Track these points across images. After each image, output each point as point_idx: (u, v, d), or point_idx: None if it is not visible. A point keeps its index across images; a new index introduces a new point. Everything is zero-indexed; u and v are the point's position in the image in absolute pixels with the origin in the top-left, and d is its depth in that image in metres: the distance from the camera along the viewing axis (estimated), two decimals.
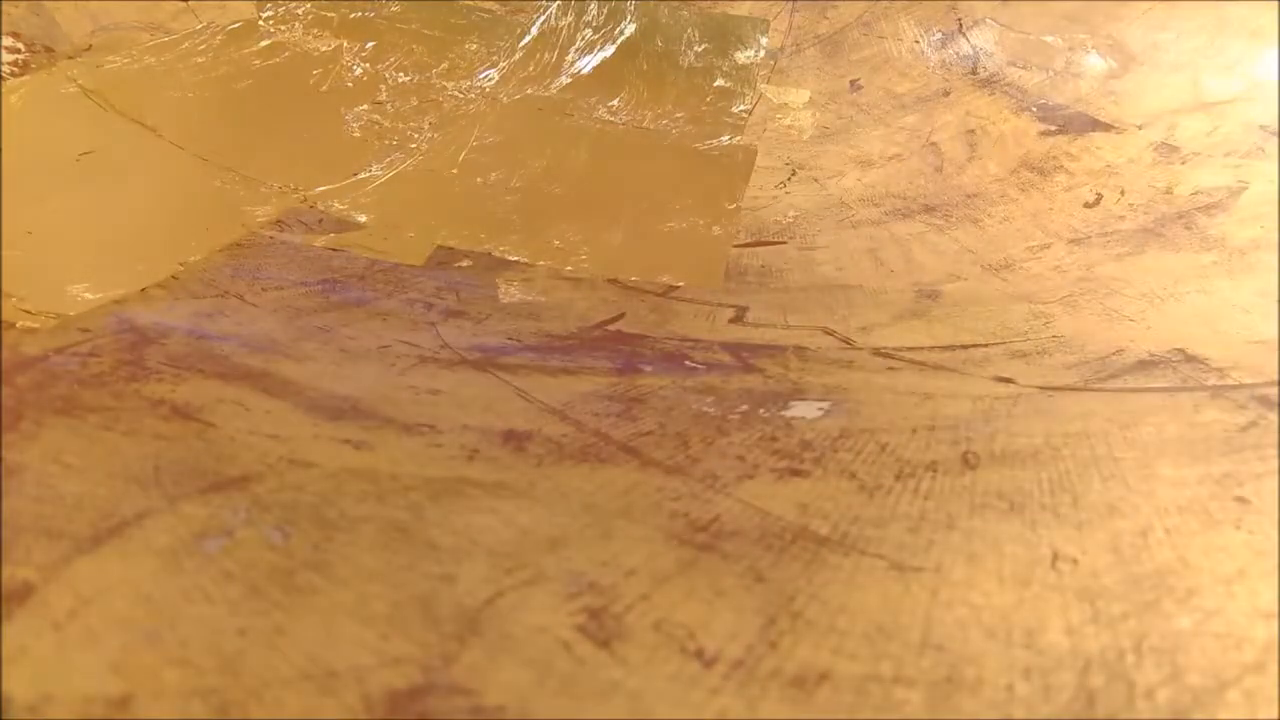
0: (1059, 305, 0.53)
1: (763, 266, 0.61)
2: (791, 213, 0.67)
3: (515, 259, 0.60)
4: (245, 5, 0.78)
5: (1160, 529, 0.28)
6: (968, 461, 0.34)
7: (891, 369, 0.46)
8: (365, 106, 0.73)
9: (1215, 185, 0.62)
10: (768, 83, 0.80)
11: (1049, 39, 0.74)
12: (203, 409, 0.35)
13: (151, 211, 0.58)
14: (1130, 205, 0.63)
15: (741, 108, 0.78)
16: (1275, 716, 0.20)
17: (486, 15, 0.82)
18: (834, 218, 0.67)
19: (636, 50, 0.81)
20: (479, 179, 0.68)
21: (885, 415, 0.38)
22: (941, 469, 0.33)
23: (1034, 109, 0.73)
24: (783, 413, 0.39)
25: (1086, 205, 0.64)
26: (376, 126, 0.72)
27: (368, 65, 0.77)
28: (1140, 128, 0.68)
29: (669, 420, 0.38)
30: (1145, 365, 0.41)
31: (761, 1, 0.83)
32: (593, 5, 0.82)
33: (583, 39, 0.81)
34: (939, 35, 0.79)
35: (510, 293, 0.56)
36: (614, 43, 0.81)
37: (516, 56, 0.80)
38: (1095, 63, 0.72)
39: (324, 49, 0.77)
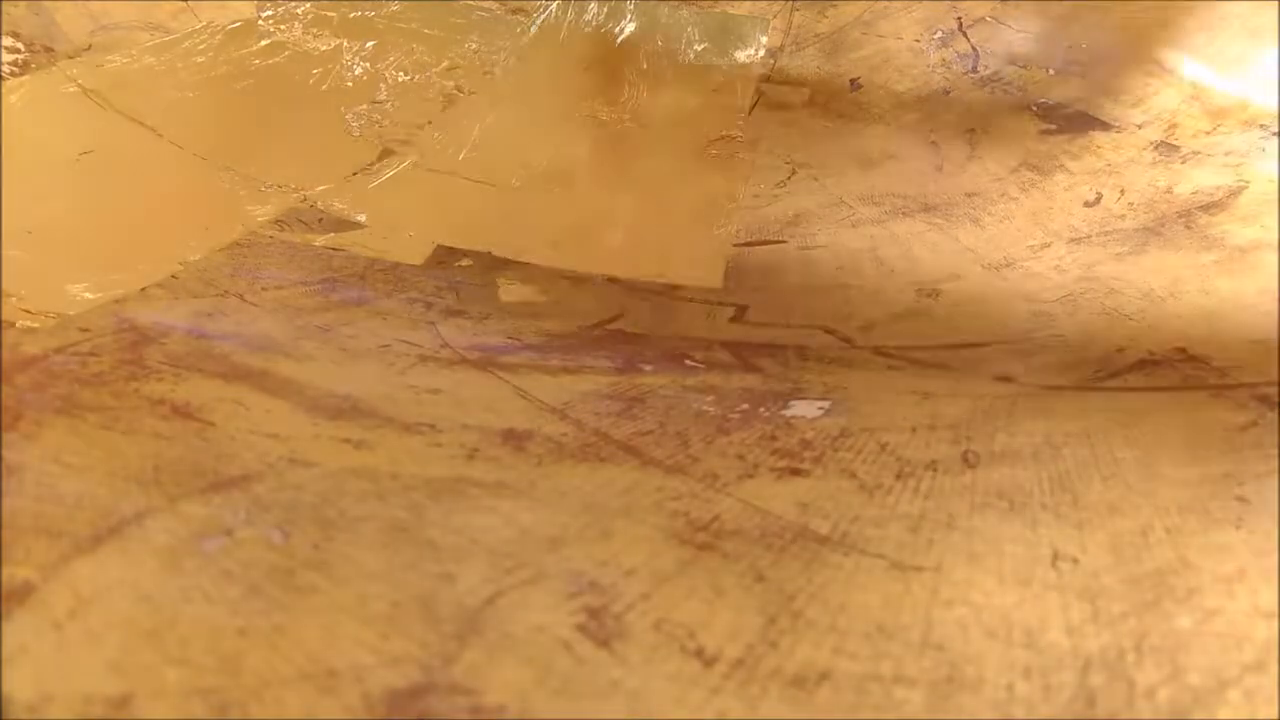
0: (1059, 304, 0.53)
1: (763, 266, 0.61)
2: (791, 212, 0.67)
3: (515, 258, 0.60)
4: (245, 5, 0.78)
5: (1160, 528, 0.28)
6: (968, 461, 0.34)
7: (892, 368, 0.46)
8: (365, 106, 0.73)
9: (1215, 185, 0.62)
10: (768, 82, 0.80)
11: (1049, 38, 0.74)
12: (203, 408, 0.35)
13: (151, 211, 0.58)
14: (1130, 205, 0.62)
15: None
16: (1275, 716, 0.20)
17: (486, 15, 0.82)
18: (834, 217, 0.67)
19: (636, 49, 0.81)
20: (479, 178, 0.68)
21: (885, 414, 0.38)
22: (941, 468, 0.33)
23: (1034, 108, 0.72)
24: (783, 412, 0.39)
25: (1086, 204, 0.64)
26: (376, 126, 0.72)
27: (368, 65, 0.77)
28: (1140, 127, 0.68)
29: (669, 419, 0.38)
30: (1145, 365, 0.41)
31: (761, 1, 0.83)
32: (593, 5, 0.82)
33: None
34: (939, 35, 0.79)
35: (510, 292, 0.56)
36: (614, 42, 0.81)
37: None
38: (1095, 62, 0.72)
39: (324, 48, 0.77)
